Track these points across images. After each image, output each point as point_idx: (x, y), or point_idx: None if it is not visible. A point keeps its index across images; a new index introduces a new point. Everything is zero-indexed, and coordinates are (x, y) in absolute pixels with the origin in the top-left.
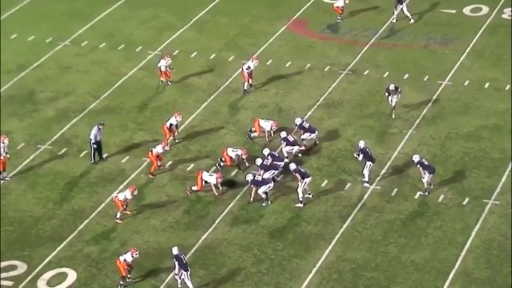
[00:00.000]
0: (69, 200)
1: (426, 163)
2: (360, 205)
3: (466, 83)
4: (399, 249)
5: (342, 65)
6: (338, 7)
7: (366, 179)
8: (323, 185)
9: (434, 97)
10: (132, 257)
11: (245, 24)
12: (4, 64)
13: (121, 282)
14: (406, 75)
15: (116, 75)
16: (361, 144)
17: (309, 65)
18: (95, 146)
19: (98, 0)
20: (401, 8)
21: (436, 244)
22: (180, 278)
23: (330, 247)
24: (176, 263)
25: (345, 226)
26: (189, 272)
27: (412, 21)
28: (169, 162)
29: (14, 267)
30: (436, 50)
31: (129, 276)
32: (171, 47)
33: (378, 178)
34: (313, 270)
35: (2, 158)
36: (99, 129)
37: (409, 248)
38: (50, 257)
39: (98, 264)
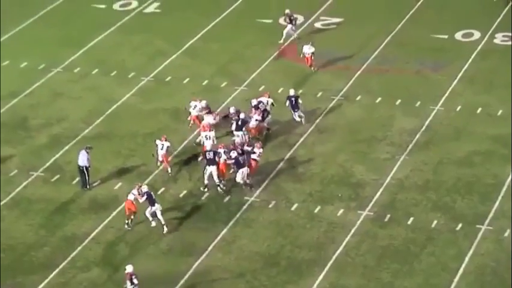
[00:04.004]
0: (61, 227)
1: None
2: (352, 231)
3: (458, 108)
4: (392, 275)
5: (334, 90)
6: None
7: None
8: (316, 210)
9: (427, 122)
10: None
11: (237, 51)
12: None
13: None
14: (399, 100)
15: (109, 102)
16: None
17: (301, 90)
18: (86, 170)
19: (90, 27)
20: (291, 28)
21: (429, 270)
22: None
23: (323, 273)
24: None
25: (338, 252)
26: None
27: (297, 37)
28: (162, 189)
29: None
30: (428, 75)
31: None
32: (164, 73)
33: (371, 204)
34: None
35: None
36: (87, 153)
37: (403, 274)
38: (42, 284)
39: None
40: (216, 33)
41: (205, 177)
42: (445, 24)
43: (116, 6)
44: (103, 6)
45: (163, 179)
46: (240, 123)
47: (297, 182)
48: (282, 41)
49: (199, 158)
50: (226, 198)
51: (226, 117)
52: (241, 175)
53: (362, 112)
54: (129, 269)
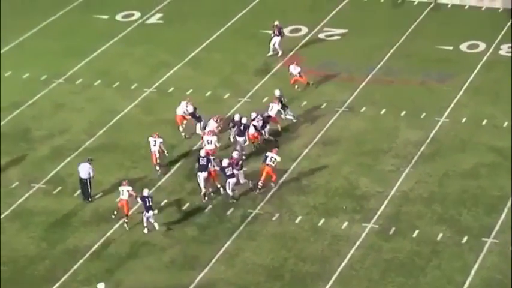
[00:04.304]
0: (63, 240)
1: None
2: (357, 244)
3: (464, 120)
4: None
5: (338, 102)
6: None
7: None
8: (320, 223)
9: (432, 134)
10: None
11: (241, 61)
12: None
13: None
14: (404, 112)
15: (111, 113)
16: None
17: (305, 102)
18: (88, 182)
19: (92, 38)
20: (279, 40)
21: (435, 283)
22: None
23: (328, 287)
24: None
25: (342, 265)
26: None
27: (280, 53)
28: (164, 201)
29: None
30: (433, 86)
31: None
32: (166, 84)
33: (376, 216)
34: None
35: None
36: (90, 164)
37: None
38: None
39: None
40: (220, 43)
41: (201, 185)
42: (450, 36)
43: (119, 17)
44: (105, 17)
45: (167, 191)
46: (242, 128)
47: (301, 195)
48: (269, 54)
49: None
50: (230, 211)
51: (231, 123)
52: (231, 185)
53: (367, 124)
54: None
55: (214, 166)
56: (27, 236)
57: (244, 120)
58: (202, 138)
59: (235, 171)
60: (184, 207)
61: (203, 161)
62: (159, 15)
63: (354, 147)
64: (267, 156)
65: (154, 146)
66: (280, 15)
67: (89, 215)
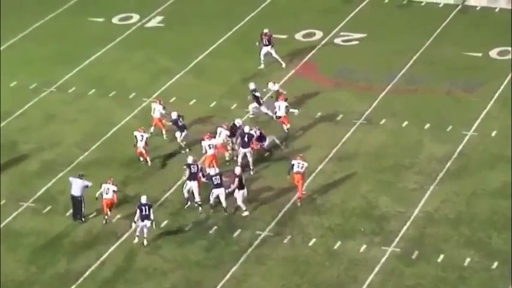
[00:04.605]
0: (54, 263)
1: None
2: (376, 269)
3: (494, 133)
4: None
5: (356, 113)
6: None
7: None
8: (336, 246)
9: (459, 149)
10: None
11: (249, 69)
12: None
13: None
14: (428, 124)
15: (107, 125)
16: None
17: (319, 113)
18: (80, 200)
19: (86, 42)
20: (268, 50)
21: None
22: None
23: None
24: None
25: None
26: None
27: (282, 65)
28: (165, 222)
29: None
30: (460, 96)
31: None
32: (168, 93)
33: (397, 239)
34: None
35: None
36: (82, 180)
37: None
38: None
39: None
40: (226, 49)
41: (185, 191)
42: (479, 41)
43: (115, 19)
44: (101, 19)
45: (168, 211)
46: (246, 139)
47: (315, 215)
48: (262, 67)
49: (186, 174)
50: (237, 232)
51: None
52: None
53: (387, 137)
54: None
55: (203, 175)
56: (15, 259)
57: (247, 129)
58: (201, 143)
59: (237, 191)
60: (186, 228)
61: (194, 169)
62: (159, 18)
63: (373, 162)
64: (293, 165)
65: (141, 141)
66: (292, 18)
67: (82, 237)
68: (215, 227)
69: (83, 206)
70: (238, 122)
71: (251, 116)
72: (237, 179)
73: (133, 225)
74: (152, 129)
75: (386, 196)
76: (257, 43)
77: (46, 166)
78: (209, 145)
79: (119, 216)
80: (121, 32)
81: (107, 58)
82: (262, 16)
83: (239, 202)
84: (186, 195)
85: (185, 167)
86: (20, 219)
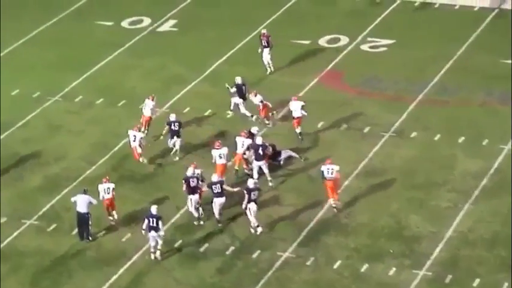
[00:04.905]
0: (58, 286)
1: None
2: None
3: None
4: None
5: (384, 125)
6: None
7: None
8: (363, 269)
9: (496, 165)
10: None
11: (269, 77)
12: None
13: None
14: (462, 138)
15: (116, 136)
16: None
17: (345, 125)
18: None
19: (94, 48)
20: (268, 52)
21: None
22: None
23: None
24: None
25: None
26: None
27: (270, 70)
28: (179, 242)
29: None
30: (496, 108)
31: None
32: (181, 103)
33: (429, 262)
34: None
35: None
36: (88, 196)
37: None
38: None
39: None
40: (243, 55)
41: (190, 206)
42: None
43: (125, 23)
44: (110, 23)
45: (180, 230)
46: (261, 152)
47: (340, 235)
48: (268, 73)
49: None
50: (256, 253)
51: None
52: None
53: (418, 151)
54: None
55: (203, 185)
56: (17, 281)
57: (258, 141)
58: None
59: (249, 205)
60: (201, 249)
61: (193, 182)
62: (172, 21)
63: (402, 179)
64: (322, 171)
65: (134, 141)
66: (315, 22)
67: (89, 257)
68: (232, 247)
69: (89, 223)
70: (254, 130)
71: (230, 111)
72: (246, 192)
73: (143, 232)
74: (143, 128)
75: (417, 215)
76: (259, 50)
77: (50, 181)
78: (219, 154)
79: (129, 235)
80: (131, 37)
81: (116, 65)
82: (283, 20)
83: (251, 217)
84: (195, 213)
85: (183, 181)
86: (23, 238)
